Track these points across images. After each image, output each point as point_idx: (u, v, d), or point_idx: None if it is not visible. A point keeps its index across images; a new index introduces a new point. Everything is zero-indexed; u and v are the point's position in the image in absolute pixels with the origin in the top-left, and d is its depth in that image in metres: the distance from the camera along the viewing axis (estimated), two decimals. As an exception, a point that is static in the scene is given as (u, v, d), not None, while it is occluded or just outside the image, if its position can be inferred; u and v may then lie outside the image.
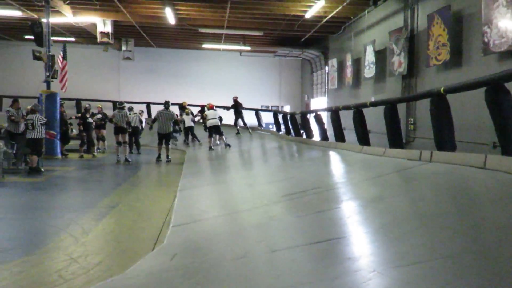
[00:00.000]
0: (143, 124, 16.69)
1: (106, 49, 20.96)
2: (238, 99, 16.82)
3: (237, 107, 16.64)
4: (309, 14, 14.77)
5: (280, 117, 16.70)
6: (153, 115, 19.74)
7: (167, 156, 12.80)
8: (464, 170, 4.44)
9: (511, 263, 2.47)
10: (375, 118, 9.55)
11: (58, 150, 13.21)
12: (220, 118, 14.53)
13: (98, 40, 16.86)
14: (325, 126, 11.92)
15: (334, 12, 14.60)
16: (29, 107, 11.18)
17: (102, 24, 16.46)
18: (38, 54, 13.19)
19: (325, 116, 13.73)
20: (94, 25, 16.72)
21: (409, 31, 12.10)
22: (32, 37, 13.57)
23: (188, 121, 15.96)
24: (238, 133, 16.42)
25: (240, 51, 23.01)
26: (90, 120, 14.46)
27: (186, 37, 21.23)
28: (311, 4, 13.97)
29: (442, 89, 5.68)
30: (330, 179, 6.44)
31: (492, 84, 4.83)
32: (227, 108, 16.86)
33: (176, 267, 3.64)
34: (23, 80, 22.43)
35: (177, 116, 14.09)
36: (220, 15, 16.07)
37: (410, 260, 2.76)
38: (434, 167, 4.96)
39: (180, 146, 16.10)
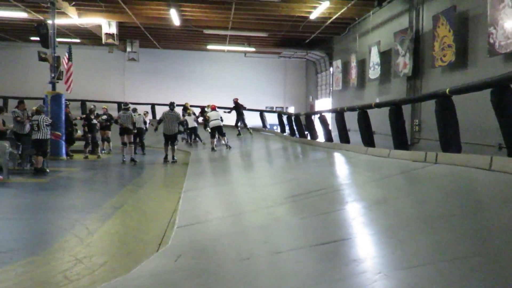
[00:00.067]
0: (147, 125, 16.73)
1: (111, 51, 21.04)
2: (238, 101, 16.93)
3: (238, 108, 16.73)
4: (314, 15, 14.75)
5: (284, 118, 16.69)
6: (158, 116, 19.93)
7: (173, 156, 12.92)
8: (469, 171, 4.42)
9: (517, 265, 2.46)
10: (380, 119, 9.53)
11: (63, 151, 13.27)
12: (221, 119, 14.60)
13: (103, 41, 16.91)
14: (330, 127, 11.90)
15: (339, 13, 14.58)
16: (34, 108, 11.22)
17: (107, 25, 16.51)
18: (43, 56, 13.25)
19: (329, 117, 13.70)
20: (99, 27, 16.78)
21: (414, 32, 12.06)
22: (38, 39, 13.66)
23: (191, 122, 16.03)
24: (239, 134, 16.56)
25: (245, 52, 23.01)
26: (94, 121, 14.51)
27: (191, 38, 21.26)
28: (316, 5, 13.94)
29: (447, 90, 5.66)
30: (334, 181, 6.43)
31: (498, 86, 4.80)
32: (229, 111, 16.89)
33: (181, 268, 3.64)
34: (28, 81, 22.54)
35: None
36: (225, 16, 16.09)
37: (416, 262, 2.75)
38: (439, 168, 4.93)
39: (184, 147, 16.12)
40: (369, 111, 8.58)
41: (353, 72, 16.79)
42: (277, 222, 4.62)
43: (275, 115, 18.69)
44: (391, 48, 13.38)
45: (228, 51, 23.24)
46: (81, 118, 14.98)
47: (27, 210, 6.68)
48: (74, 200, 7.73)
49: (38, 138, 10.32)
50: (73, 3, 14.58)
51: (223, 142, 14.42)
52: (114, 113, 16.06)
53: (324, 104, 22.27)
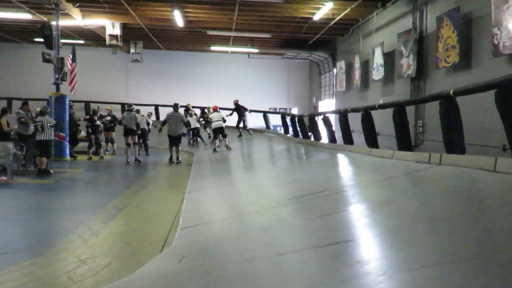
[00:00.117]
0: (150, 126, 16.79)
1: (115, 52, 21.08)
2: (239, 102, 17.03)
3: (239, 110, 16.79)
4: (318, 16, 14.75)
5: (288, 119, 16.70)
6: (161, 117, 20.00)
7: (177, 157, 13.05)
8: (474, 173, 4.40)
9: (522, 267, 2.45)
10: (383, 121, 9.51)
11: (67, 152, 13.30)
12: (224, 120, 14.65)
13: (107, 42, 16.96)
14: (333, 129, 11.88)
15: (343, 14, 14.56)
16: (38, 109, 11.26)
17: (111, 26, 16.55)
18: (47, 57, 13.30)
19: (333, 119, 13.68)
20: (103, 28, 16.83)
21: (418, 33, 12.03)
22: (42, 40, 13.69)
23: (193, 123, 16.09)
24: (240, 135, 16.63)
25: (248, 54, 23.02)
26: (98, 122, 14.54)
27: (194, 39, 21.28)
28: (320, 6, 13.94)
29: (451, 91, 5.64)
30: (338, 182, 6.42)
31: (503, 87, 4.78)
32: (230, 113, 16.95)
33: (184, 269, 3.64)
34: (32, 83, 22.61)
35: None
36: (229, 17, 16.10)
37: (420, 264, 2.74)
38: (443, 170, 4.91)
39: (186, 148, 16.15)
40: (373, 112, 8.56)
41: (357, 73, 16.78)
42: (281, 223, 4.61)
43: (279, 116, 18.70)
44: (395, 49, 13.36)
45: (232, 52, 23.26)
46: (84, 119, 15.03)
47: (31, 211, 6.70)
48: (78, 201, 7.76)
49: (42, 139, 10.36)
50: (77, 4, 14.63)
51: (224, 143, 14.46)
52: (118, 114, 16.10)
53: (327, 105, 22.25)
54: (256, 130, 18.57)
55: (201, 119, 17.06)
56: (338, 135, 10.87)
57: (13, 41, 22.56)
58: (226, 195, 7.09)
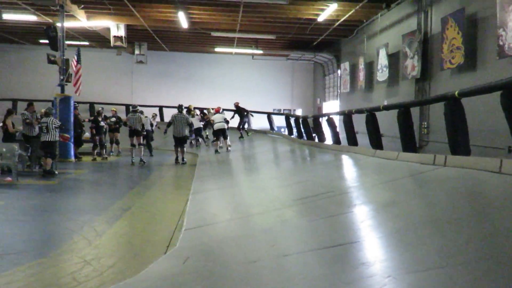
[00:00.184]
0: (153, 127, 16.84)
1: (120, 53, 21.14)
2: (239, 104, 17.23)
3: (239, 112, 16.89)
4: (322, 17, 14.74)
5: (292, 120, 16.69)
6: (165, 118, 20.04)
7: (183, 158, 13.16)
8: (479, 174, 4.38)
9: (529, 270, 2.43)
10: (388, 122, 9.49)
11: (72, 153, 13.34)
12: (227, 121, 14.71)
13: (112, 44, 17.02)
14: (338, 130, 11.86)
15: (347, 15, 14.56)
16: (43, 110, 11.30)
17: (116, 28, 16.61)
18: (52, 58, 13.36)
19: (337, 120, 13.66)
20: (108, 29, 16.89)
21: (423, 34, 12.01)
22: (47, 41, 13.76)
23: (196, 123, 16.13)
24: (241, 137, 16.73)
25: (253, 55, 23.04)
26: (102, 123, 14.58)
27: (198, 41, 21.32)
28: (324, 7, 13.93)
29: (456, 92, 5.62)
30: (342, 183, 6.40)
31: (508, 88, 4.76)
32: (232, 116, 17.08)
33: (189, 270, 3.65)
34: (37, 84, 22.74)
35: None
36: (233, 19, 16.12)
37: (426, 266, 2.73)
38: (448, 171, 4.89)
39: (190, 149, 16.17)
40: (377, 114, 8.54)
41: (361, 75, 16.76)
42: (285, 224, 4.60)
43: (283, 117, 18.71)
44: (399, 50, 13.34)
45: (236, 53, 23.29)
46: (89, 120, 15.08)
47: (36, 212, 6.72)
48: (82, 202, 7.78)
49: (47, 140, 10.39)
50: (82, 6, 14.69)
51: (225, 144, 14.51)
52: (123, 116, 16.15)
53: (331, 106, 22.23)
54: (260, 131, 18.60)
55: (200, 121, 17.14)
56: (343, 136, 10.86)
57: (19, 43, 22.67)
58: (230, 196, 7.09)
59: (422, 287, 2.50)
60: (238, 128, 17.20)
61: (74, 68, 14.49)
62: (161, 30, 18.73)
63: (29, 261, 4.18)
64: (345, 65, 19.04)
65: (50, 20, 15.35)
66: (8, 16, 15.47)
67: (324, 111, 22.93)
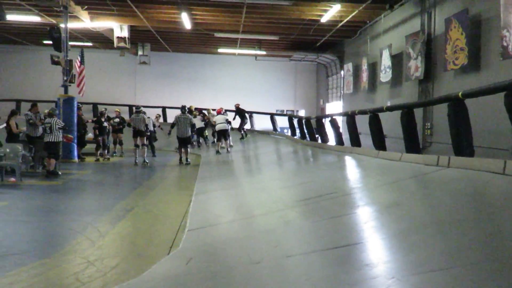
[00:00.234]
0: (156, 128, 16.88)
1: (123, 54, 21.19)
2: (240, 106, 17.38)
3: (240, 113, 17.05)
4: (325, 18, 14.74)
5: (295, 121, 16.69)
6: (169, 119, 20.07)
7: (186, 159, 13.15)
8: (483, 175, 4.36)
9: (533, 271, 2.42)
10: (391, 123, 9.48)
11: (75, 153, 13.38)
12: (229, 122, 14.73)
13: (115, 45, 17.07)
14: (341, 131, 11.85)
15: (350, 16, 14.55)
16: (46, 111, 11.33)
17: (119, 29, 16.66)
18: (56, 59, 13.40)
19: (340, 121, 13.65)
20: (111, 30, 16.93)
21: (426, 35, 11.99)
22: (50, 42, 13.81)
23: (198, 123, 16.15)
24: (242, 138, 16.81)
25: (256, 56, 23.07)
26: (105, 124, 14.61)
27: (202, 41, 21.35)
28: (327, 8, 13.93)
29: (460, 93, 5.60)
30: (346, 184, 6.39)
31: (512, 89, 4.75)
32: (233, 117, 17.16)
33: (192, 271, 3.64)
34: (41, 85, 22.78)
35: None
36: (236, 19, 16.14)
37: (429, 267, 2.72)
38: (452, 172, 4.88)
39: (192, 149, 16.19)
40: (381, 115, 8.53)
41: (364, 76, 16.74)
42: (288, 225, 4.60)
43: (286, 118, 18.71)
44: (403, 51, 13.32)
45: (239, 54, 23.32)
46: (92, 121, 15.11)
47: (39, 213, 6.73)
48: (86, 202, 7.79)
49: (51, 140, 10.41)
50: (86, 7, 14.73)
51: (226, 145, 14.53)
52: (126, 116, 16.17)
53: (335, 107, 22.22)
54: (263, 132, 18.61)
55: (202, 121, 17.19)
56: (346, 137, 10.84)
57: (22, 44, 22.74)
58: (233, 197, 7.09)
59: (426, 289, 2.49)
60: (239, 129, 17.30)
61: (77, 69, 14.54)
62: (164, 31, 18.76)
63: (32, 262, 4.19)
64: (348, 66, 19.03)
65: (54, 21, 15.39)
66: (12, 17, 15.53)
67: (327, 112, 22.91)
